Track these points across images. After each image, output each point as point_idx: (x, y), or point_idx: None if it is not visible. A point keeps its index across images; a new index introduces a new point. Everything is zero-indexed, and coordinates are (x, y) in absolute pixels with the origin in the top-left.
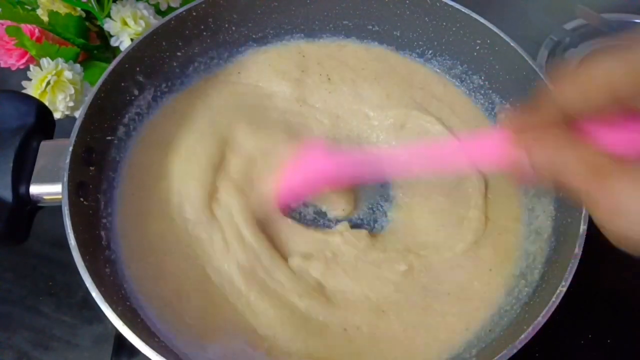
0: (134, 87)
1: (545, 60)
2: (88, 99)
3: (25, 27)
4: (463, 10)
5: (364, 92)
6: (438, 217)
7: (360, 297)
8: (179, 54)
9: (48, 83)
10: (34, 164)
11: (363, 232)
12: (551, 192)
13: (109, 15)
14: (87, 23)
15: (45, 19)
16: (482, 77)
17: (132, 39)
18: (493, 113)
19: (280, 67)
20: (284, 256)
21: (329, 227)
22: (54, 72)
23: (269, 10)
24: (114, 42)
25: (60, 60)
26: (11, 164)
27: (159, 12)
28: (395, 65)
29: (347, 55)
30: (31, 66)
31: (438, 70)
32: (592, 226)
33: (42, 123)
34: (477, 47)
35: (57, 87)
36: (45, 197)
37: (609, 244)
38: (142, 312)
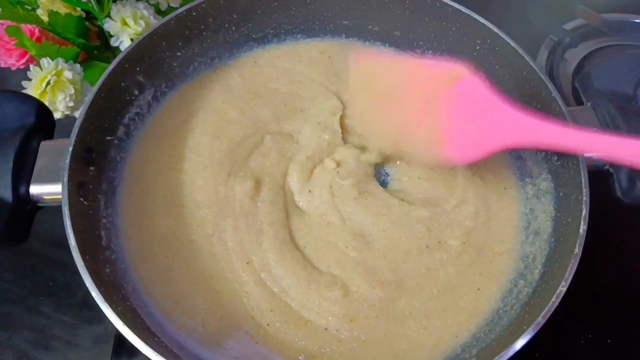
0: (134, 87)
1: (545, 60)
2: (88, 99)
3: (25, 27)
4: (463, 10)
5: None
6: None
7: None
8: (179, 54)
9: (48, 83)
10: (34, 164)
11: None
12: (551, 192)
13: (109, 15)
14: (87, 23)
15: (45, 19)
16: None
17: (132, 39)
18: None
19: (280, 65)
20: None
21: None
22: (54, 72)
23: (269, 10)
24: (114, 42)
25: (60, 60)
26: (11, 164)
27: (159, 12)
28: None
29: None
30: (31, 66)
31: None
32: (592, 226)
33: (42, 123)
34: (477, 47)
35: (57, 87)
36: (45, 197)
37: (609, 244)
38: (148, 312)
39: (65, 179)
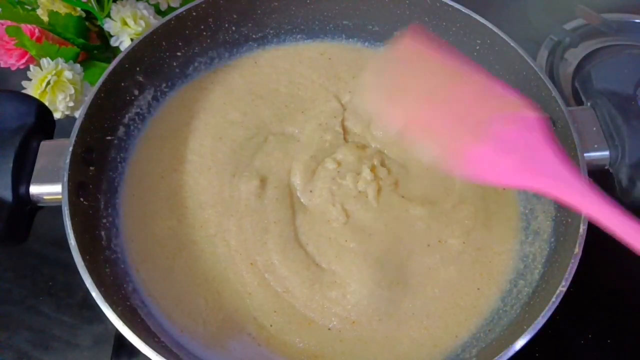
0: (134, 87)
1: (545, 60)
2: (88, 99)
3: (25, 27)
4: (463, 10)
5: None
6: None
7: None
8: (179, 54)
9: (48, 83)
10: (34, 164)
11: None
12: None
13: (109, 15)
14: (87, 23)
15: (45, 19)
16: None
17: (132, 39)
18: None
19: (281, 66)
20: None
21: None
22: (54, 72)
23: (269, 10)
24: (114, 42)
25: (60, 60)
26: (11, 164)
27: (159, 12)
28: None
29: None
30: (31, 66)
31: None
32: (592, 226)
33: (42, 123)
34: (477, 47)
35: (57, 87)
36: (45, 197)
37: (609, 244)
38: (148, 312)
39: (65, 179)
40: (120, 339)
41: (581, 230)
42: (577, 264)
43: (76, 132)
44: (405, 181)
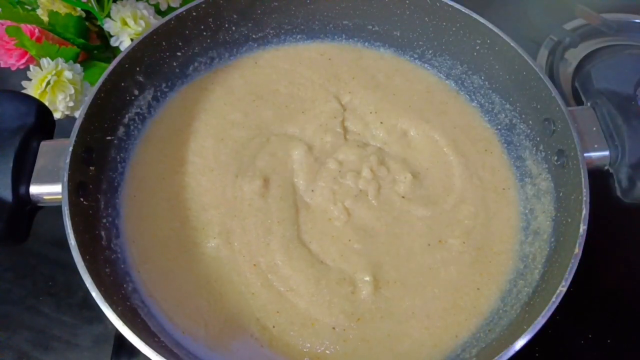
0: (134, 87)
1: (545, 60)
2: (88, 99)
3: (25, 27)
4: (463, 10)
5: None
6: None
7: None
8: (179, 54)
9: (48, 83)
10: (34, 164)
11: None
12: (551, 192)
13: (109, 15)
14: (87, 23)
15: (45, 19)
16: (482, 77)
17: (132, 39)
18: (494, 114)
19: (281, 66)
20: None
21: None
22: (54, 72)
23: (269, 10)
24: (114, 42)
25: (60, 60)
26: (11, 164)
27: (159, 12)
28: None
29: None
30: (31, 66)
31: (439, 73)
32: (592, 226)
33: (42, 123)
34: (477, 47)
35: (57, 87)
36: (45, 197)
37: (609, 244)
38: (148, 312)
39: (65, 179)
40: (120, 339)
41: (581, 230)
42: (577, 264)
43: (76, 132)
44: (405, 181)
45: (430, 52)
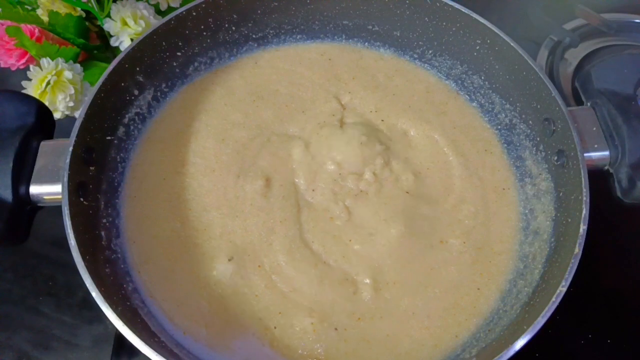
0: (134, 87)
1: (545, 60)
2: (88, 99)
3: (25, 27)
4: (463, 10)
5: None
6: None
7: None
8: (179, 54)
9: (48, 83)
10: (34, 164)
11: None
12: (551, 192)
13: (109, 15)
14: (87, 23)
15: (45, 19)
16: (482, 77)
17: (132, 39)
18: (494, 115)
19: (281, 66)
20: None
21: None
22: (54, 72)
23: (269, 10)
24: (114, 42)
25: (60, 60)
26: (11, 164)
27: (159, 12)
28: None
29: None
30: (31, 66)
31: (439, 73)
32: (592, 226)
33: (42, 123)
34: (477, 47)
35: (57, 87)
36: (45, 197)
37: (609, 244)
38: (148, 312)
39: (65, 179)
40: (120, 339)
41: (581, 230)
42: (577, 264)
43: (76, 132)
44: (405, 180)
45: (430, 52)
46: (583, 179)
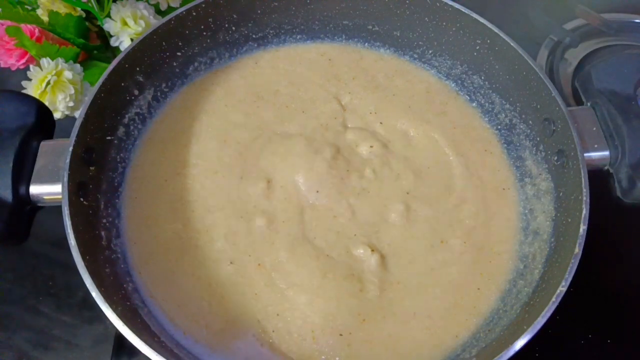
0: (134, 87)
1: (545, 60)
2: (88, 99)
3: (25, 27)
4: (463, 10)
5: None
6: None
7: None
8: (179, 54)
9: (48, 83)
10: (34, 164)
11: None
12: (551, 192)
13: (109, 15)
14: (87, 23)
15: (45, 19)
16: (482, 77)
17: (132, 39)
18: (494, 115)
19: (281, 67)
20: None
21: None
22: (54, 72)
23: (269, 10)
24: (114, 42)
25: (60, 60)
26: (11, 164)
27: (159, 12)
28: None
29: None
30: (31, 66)
31: (439, 73)
32: (592, 226)
33: (42, 123)
34: (477, 47)
35: (57, 87)
36: (45, 197)
37: (609, 244)
38: (148, 312)
39: (65, 179)
40: (120, 339)
41: (581, 230)
42: (577, 264)
43: (76, 132)
44: (405, 180)
45: (430, 52)
46: (583, 179)
